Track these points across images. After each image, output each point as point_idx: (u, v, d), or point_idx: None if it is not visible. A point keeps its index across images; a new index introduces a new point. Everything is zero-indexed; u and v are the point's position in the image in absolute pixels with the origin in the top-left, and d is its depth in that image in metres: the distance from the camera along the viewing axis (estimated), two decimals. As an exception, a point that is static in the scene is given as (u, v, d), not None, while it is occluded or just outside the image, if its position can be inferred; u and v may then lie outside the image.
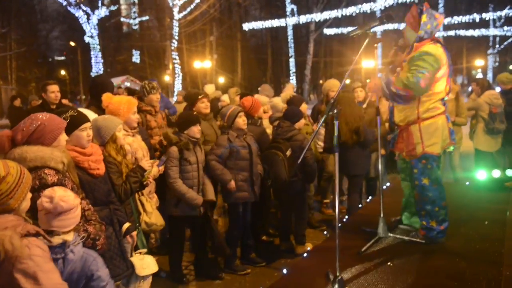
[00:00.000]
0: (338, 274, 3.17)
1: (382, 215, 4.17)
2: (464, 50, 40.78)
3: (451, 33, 33.57)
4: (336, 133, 3.17)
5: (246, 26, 30.69)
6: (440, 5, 34.99)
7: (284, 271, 3.72)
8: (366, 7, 26.51)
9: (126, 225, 3.32)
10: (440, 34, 33.73)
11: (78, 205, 2.51)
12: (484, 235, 4.28)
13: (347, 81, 7.20)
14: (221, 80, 32.42)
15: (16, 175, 2.05)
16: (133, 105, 4.13)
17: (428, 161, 3.96)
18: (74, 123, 3.03)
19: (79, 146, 3.06)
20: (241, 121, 4.68)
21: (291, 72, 34.23)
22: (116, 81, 21.49)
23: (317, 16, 27.99)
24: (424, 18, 3.86)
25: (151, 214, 3.93)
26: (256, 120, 5.45)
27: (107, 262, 2.99)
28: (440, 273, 3.55)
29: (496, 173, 6.25)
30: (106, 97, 4.12)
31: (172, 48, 27.14)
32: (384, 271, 3.61)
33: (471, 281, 3.38)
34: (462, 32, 33.50)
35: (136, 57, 36.09)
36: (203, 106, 5.29)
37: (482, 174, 5.75)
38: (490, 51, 39.28)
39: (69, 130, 2.97)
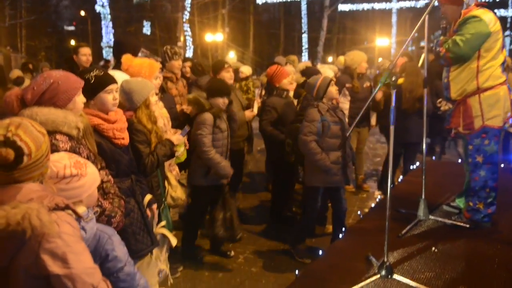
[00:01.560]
0: (386, 259, 2.87)
1: (423, 197, 3.86)
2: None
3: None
4: (393, 103, 2.84)
5: (259, 0, 30.01)
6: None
7: (320, 252, 3.43)
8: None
9: (148, 197, 3.05)
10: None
11: (84, 175, 2.07)
12: (531, 221, 3.96)
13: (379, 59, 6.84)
14: (231, 54, 31.86)
15: (45, 133, 1.75)
16: (156, 69, 3.81)
17: (487, 136, 3.63)
18: (99, 84, 2.68)
19: (103, 110, 2.74)
20: (334, 90, 4.21)
21: (303, 48, 33.55)
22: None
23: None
24: None
25: (176, 188, 3.65)
26: (281, 91, 5.13)
27: (129, 237, 2.74)
28: (491, 261, 3.25)
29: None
30: (126, 59, 3.81)
31: (184, 20, 26.56)
32: (429, 257, 3.31)
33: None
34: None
35: (147, 29, 35.39)
36: (228, 76, 4.99)
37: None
38: (507, 32, 38.19)
39: (93, 92, 2.65)
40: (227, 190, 4.35)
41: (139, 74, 3.71)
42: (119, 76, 3.16)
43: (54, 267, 1.48)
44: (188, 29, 26.98)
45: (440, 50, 3.66)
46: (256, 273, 4.21)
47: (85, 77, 2.67)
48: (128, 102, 3.20)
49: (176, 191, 3.61)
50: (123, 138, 2.84)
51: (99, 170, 2.54)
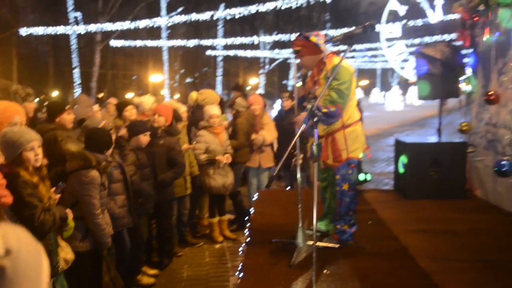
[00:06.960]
0: (314, 288, 3.03)
1: (300, 224, 4.18)
2: (241, 69, 44.78)
3: (231, 53, 36.38)
4: (316, 140, 3.06)
5: (24, 32, 27.34)
6: (220, 27, 37.54)
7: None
8: (162, 21, 26.90)
9: None
10: (221, 53, 36.37)
11: None
12: (377, 235, 4.68)
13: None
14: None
15: None
16: (15, 112, 3.33)
17: (352, 166, 4.17)
18: None
19: None
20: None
21: (75, 84, 31.89)
22: None
23: (108, 26, 26.73)
24: (313, 39, 4.06)
25: (67, 248, 3.13)
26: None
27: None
28: (376, 273, 3.73)
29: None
30: None
31: None
32: (328, 279, 3.61)
33: (404, 277, 3.64)
34: (239, 53, 36.66)
35: None
36: (69, 118, 4.57)
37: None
38: (261, 71, 43.75)
39: None
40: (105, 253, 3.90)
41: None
42: None
43: None
44: None
45: (329, 108, 3.84)
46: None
47: None
48: (8, 154, 2.70)
49: (68, 253, 3.10)
50: (6, 195, 2.46)
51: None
